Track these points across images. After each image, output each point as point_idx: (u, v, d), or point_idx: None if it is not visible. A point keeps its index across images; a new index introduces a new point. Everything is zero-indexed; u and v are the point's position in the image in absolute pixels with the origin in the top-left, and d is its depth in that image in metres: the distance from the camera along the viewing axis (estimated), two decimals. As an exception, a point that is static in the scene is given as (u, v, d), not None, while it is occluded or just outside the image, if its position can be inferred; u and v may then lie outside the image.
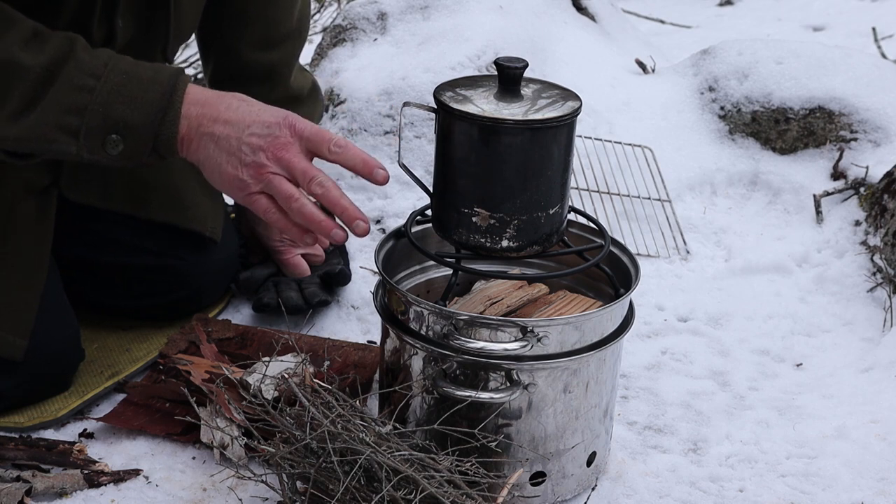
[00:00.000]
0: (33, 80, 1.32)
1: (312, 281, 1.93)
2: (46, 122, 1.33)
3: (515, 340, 1.36)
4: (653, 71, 2.77)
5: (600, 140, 2.38)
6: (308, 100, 1.96)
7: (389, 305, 1.47)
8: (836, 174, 2.37)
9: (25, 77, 1.32)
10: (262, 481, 1.35)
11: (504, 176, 1.37)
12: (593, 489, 1.51)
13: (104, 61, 1.35)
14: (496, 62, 1.40)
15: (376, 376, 1.67)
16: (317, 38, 3.27)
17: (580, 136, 2.29)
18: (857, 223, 2.22)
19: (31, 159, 1.39)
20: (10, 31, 1.33)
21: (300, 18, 1.92)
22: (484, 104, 1.37)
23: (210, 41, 1.89)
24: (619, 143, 2.39)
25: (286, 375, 1.40)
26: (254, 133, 1.34)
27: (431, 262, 1.63)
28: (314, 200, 1.37)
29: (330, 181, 1.36)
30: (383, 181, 1.38)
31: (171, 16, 1.60)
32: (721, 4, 4.93)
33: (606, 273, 1.49)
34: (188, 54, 3.24)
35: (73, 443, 1.53)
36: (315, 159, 1.40)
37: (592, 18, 3.04)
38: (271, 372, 1.51)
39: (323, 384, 1.38)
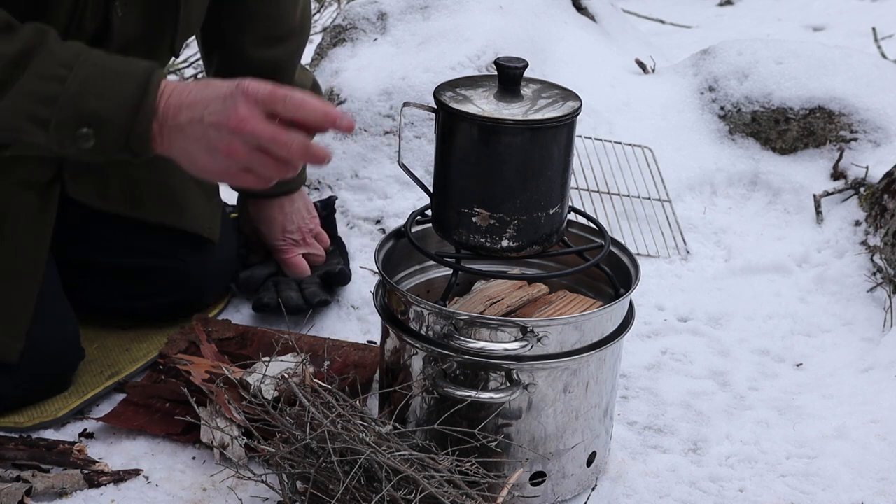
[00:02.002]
0: (2, 68, 1.28)
1: (312, 281, 1.93)
2: (15, 111, 1.29)
3: (515, 340, 1.36)
4: (653, 71, 2.77)
5: (600, 140, 2.38)
6: (311, 96, 1.96)
7: (389, 305, 1.47)
8: (836, 174, 2.37)
9: None
10: (262, 481, 1.35)
11: (504, 176, 1.37)
12: (593, 489, 1.51)
13: (76, 52, 1.31)
14: (496, 62, 1.40)
15: (376, 376, 1.67)
16: (317, 38, 3.27)
17: (580, 136, 2.29)
18: (857, 223, 2.22)
19: (1, 151, 1.36)
20: None
21: (302, 16, 1.92)
22: (484, 104, 1.37)
23: (212, 41, 1.89)
24: (619, 143, 2.39)
25: (286, 375, 1.40)
26: (213, 111, 1.28)
27: (431, 262, 1.63)
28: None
29: (298, 138, 1.29)
30: (349, 128, 1.32)
31: (180, 9, 1.59)
32: (721, 4, 4.93)
33: (606, 273, 1.49)
34: (188, 54, 3.24)
35: (73, 443, 1.53)
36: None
37: (592, 18, 3.04)
38: (271, 372, 1.51)
39: (323, 384, 1.38)
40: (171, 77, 3.38)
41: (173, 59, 1.77)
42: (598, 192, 2.29)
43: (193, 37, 1.92)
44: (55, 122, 1.29)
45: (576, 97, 1.42)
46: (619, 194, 2.31)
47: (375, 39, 2.48)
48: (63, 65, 1.29)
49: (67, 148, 1.31)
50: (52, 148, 1.31)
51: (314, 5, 3.92)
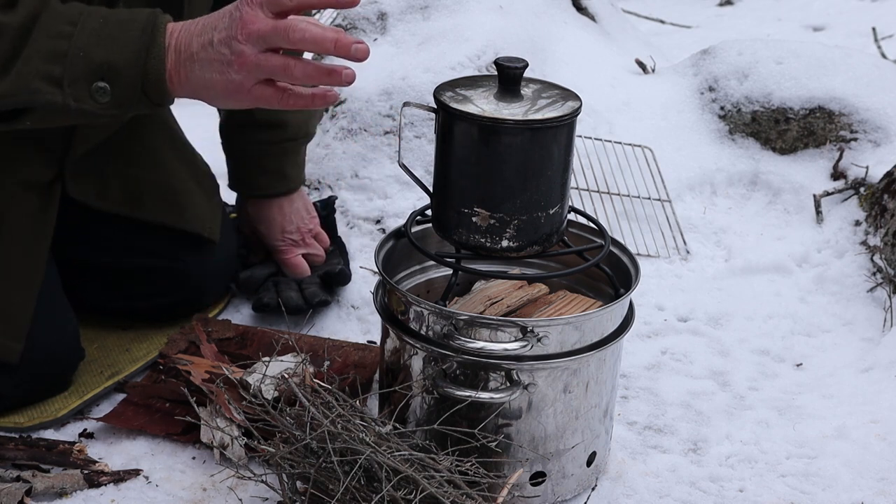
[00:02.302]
0: (11, 36, 1.29)
1: (312, 281, 1.93)
2: (28, 73, 1.29)
3: (515, 340, 1.36)
4: (653, 71, 2.77)
5: (600, 140, 2.38)
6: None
7: (389, 305, 1.47)
8: (836, 174, 2.37)
9: (3, 33, 1.29)
10: (262, 481, 1.35)
11: (504, 176, 1.37)
12: (593, 489, 1.51)
13: (80, 10, 1.32)
14: (496, 62, 1.40)
15: (376, 376, 1.67)
16: (317, 38, 3.27)
17: (580, 136, 2.29)
18: (857, 223, 2.22)
19: (22, 121, 1.35)
20: None
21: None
22: (484, 104, 1.37)
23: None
24: (619, 143, 2.39)
25: (286, 375, 1.40)
26: (221, 28, 1.28)
27: (431, 262, 1.63)
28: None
29: (304, 21, 1.26)
30: (352, 2, 1.29)
31: (184, 10, 1.59)
32: (721, 4, 4.93)
33: (606, 273, 1.49)
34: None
35: (73, 443, 1.53)
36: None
37: (592, 18, 3.04)
38: (271, 372, 1.51)
39: (323, 384, 1.38)
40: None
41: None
42: (598, 192, 2.29)
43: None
44: (68, 78, 1.29)
45: (576, 97, 1.42)
46: (619, 194, 2.31)
47: (375, 39, 2.49)
48: (68, 21, 1.30)
49: (86, 103, 1.30)
50: (69, 104, 1.30)
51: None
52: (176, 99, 1.37)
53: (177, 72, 1.31)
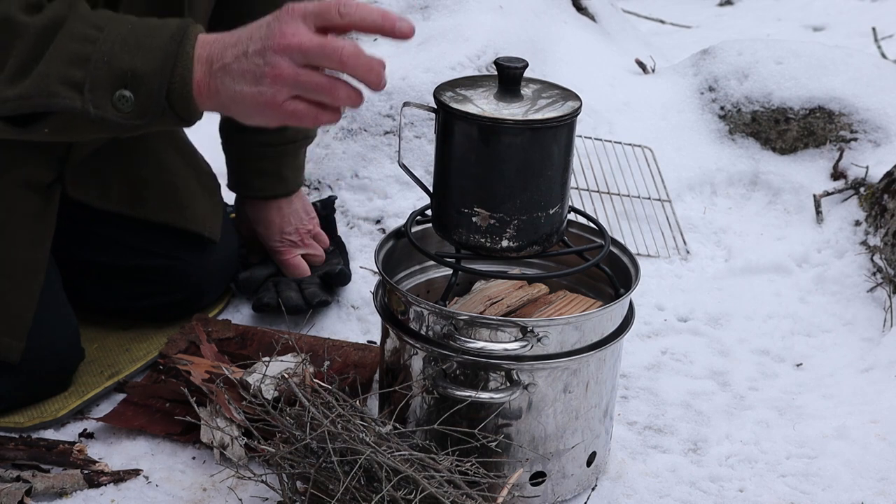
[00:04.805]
0: (33, 37, 1.23)
1: (312, 281, 1.93)
2: (48, 76, 1.22)
3: (515, 340, 1.36)
4: (653, 71, 2.78)
5: (600, 140, 2.38)
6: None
7: (389, 305, 1.47)
8: (836, 174, 2.37)
9: (24, 34, 1.23)
10: (262, 481, 1.35)
11: (504, 176, 1.37)
12: (593, 489, 1.51)
13: (108, 15, 1.26)
14: (496, 62, 1.40)
15: (376, 376, 1.67)
16: (317, 38, 3.28)
17: (580, 136, 2.29)
18: (857, 223, 2.22)
19: (35, 127, 1.29)
20: None
21: None
22: (484, 104, 1.37)
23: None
24: (619, 143, 2.39)
25: (286, 375, 1.40)
26: (256, 39, 1.20)
27: (431, 262, 1.63)
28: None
29: (349, 43, 1.19)
30: (409, 33, 1.21)
31: (184, 10, 1.58)
32: (721, 4, 4.93)
33: (606, 273, 1.49)
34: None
35: (73, 443, 1.53)
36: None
37: (592, 18, 3.04)
38: (271, 372, 1.51)
39: (323, 384, 1.38)
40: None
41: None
42: (598, 192, 2.29)
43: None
44: (89, 84, 1.22)
45: (576, 97, 1.42)
46: (619, 194, 2.31)
47: (375, 39, 2.49)
48: (94, 26, 1.24)
49: (107, 112, 1.24)
50: (88, 110, 1.23)
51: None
52: (204, 113, 1.30)
53: (206, 83, 1.23)
